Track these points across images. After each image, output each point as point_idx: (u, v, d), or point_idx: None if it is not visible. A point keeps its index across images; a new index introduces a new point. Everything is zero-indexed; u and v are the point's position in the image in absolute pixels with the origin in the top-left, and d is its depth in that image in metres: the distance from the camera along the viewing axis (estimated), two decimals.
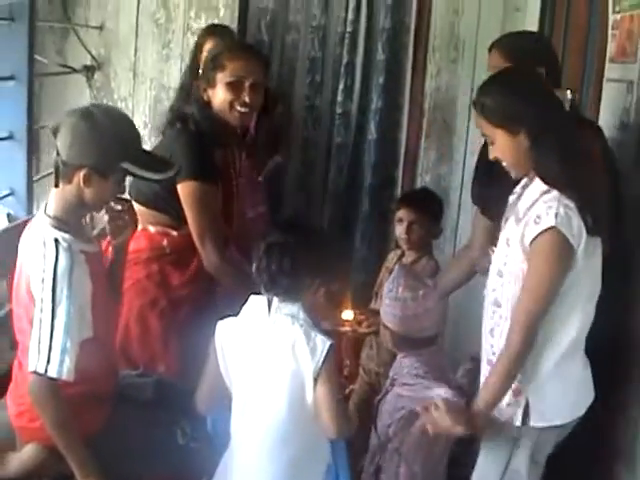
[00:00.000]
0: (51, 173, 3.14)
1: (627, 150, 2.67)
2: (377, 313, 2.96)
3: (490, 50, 2.72)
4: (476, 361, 2.41)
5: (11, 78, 3.37)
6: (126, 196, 2.50)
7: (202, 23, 4.22)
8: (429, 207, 3.33)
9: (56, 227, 2.21)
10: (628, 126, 2.70)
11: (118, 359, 2.62)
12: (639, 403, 2.49)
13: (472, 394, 2.30)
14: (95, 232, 2.62)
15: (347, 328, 3.13)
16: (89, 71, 4.34)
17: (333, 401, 2.16)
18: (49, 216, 2.24)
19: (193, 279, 2.86)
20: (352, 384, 3.54)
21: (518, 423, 2.22)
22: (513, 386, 2.21)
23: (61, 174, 2.22)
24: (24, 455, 2.31)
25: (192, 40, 4.20)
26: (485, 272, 2.63)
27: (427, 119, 4.37)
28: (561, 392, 2.22)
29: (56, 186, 2.23)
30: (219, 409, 2.37)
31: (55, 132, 2.21)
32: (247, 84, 2.80)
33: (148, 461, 2.33)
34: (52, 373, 2.09)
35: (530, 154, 2.14)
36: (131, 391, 2.50)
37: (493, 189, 2.70)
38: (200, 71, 3.09)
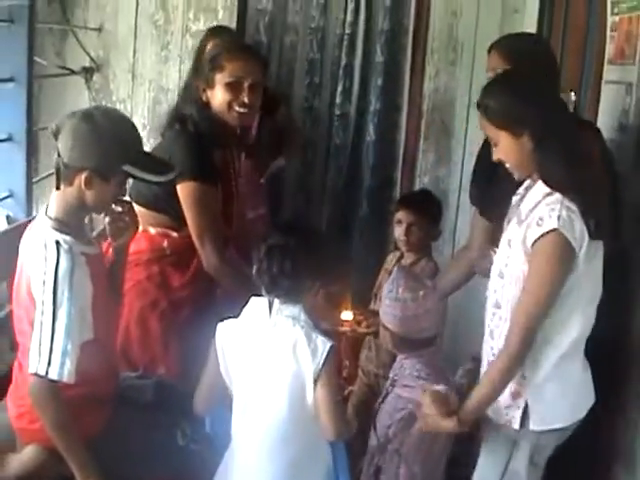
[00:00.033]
0: (50, 175, 3.13)
1: (626, 152, 2.67)
2: (376, 314, 2.97)
3: (489, 51, 2.72)
4: (477, 361, 2.42)
5: (10, 80, 3.37)
6: (127, 198, 2.50)
7: (201, 25, 4.22)
8: (428, 209, 3.34)
9: (57, 229, 2.21)
10: (627, 128, 2.70)
11: (118, 361, 2.62)
12: (638, 405, 2.49)
13: None
14: (95, 233, 2.62)
15: (346, 328, 3.13)
16: (88, 73, 4.33)
17: (332, 402, 2.17)
18: (50, 218, 2.23)
19: (193, 280, 2.86)
20: (351, 385, 3.55)
21: (516, 426, 2.22)
22: (512, 388, 2.22)
23: (62, 176, 2.22)
24: (24, 456, 2.31)
25: (191, 42, 4.22)
26: (484, 273, 2.64)
27: (426, 121, 4.38)
28: (561, 394, 2.22)
29: (57, 188, 2.23)
30: (217, 409, 2.37)
31: (56, 134, 2.21)
32: (246, 84, 2.80)
33: (148, 463, 2.33)
34: (53, 375, 2.09)
35: (533, 156, 2.14)
36: (131, 393, 2.50)
37: (492, 190, 2.71)
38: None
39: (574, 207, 2.07)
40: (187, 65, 4.17)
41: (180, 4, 4.25)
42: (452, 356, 3.19)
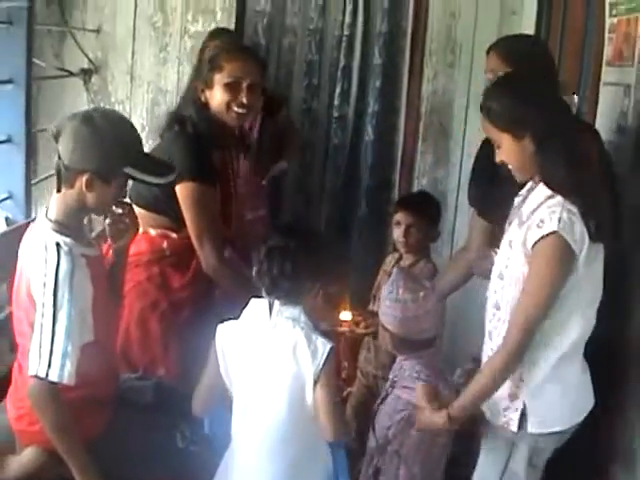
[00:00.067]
0: (49, 177, 3.13)
1: (624, 154, 2.68)
2: (375, 314, 2.98)
3: (488, 53, 2.73)
4: (478, 362, 2.42)
5: (9, 82, 3.36)
6: (127, 199, 2.50)
7: (199, 26, 4.22)
8: (427, 210, 3.34)
9: (57, 231, 2.20)
10: (625, 129, 2.71)
11: (119, 363, 2.62)
12: (636, 405, 2.49)
13: None
14: (93, 234, 2.62)
15: (345, 329, 3.13)
16: (86, 74, 4.33)
17: (331, 404, 2.17)
18: (50, 220, 2.23)
19: (193, 281, 2.86)
20: (350, 387, 3.55)
21: (514, 428, 2.22)
22: (509, 390, 2.22)
23: (63, 179, 2.21)
24: (24, 458, 2.31)
25: (189, 43, 4.23)
26: (482, 274, 2.64)
27: (424, 122, 4.39)
28: (559, 396, 2.22)
29: (58, 191, 2.23)
30: (217, 410, 2.38)
31: (56, 137, 2.20)
32: (245, 85, 2.80)
33: (148, 465, 2.32)
34: (53, 377, 2.09)
35: (535, 159, 2.14)
36: (130, 395, 2.50)
37: (490, 191, 2.72)
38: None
39: (575, 209, 2.08)
40: (186, 67, 4.20)
41: (179, 6, 4.25)
42: (451, 357, 3.20)
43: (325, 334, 2.22)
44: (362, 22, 4.35)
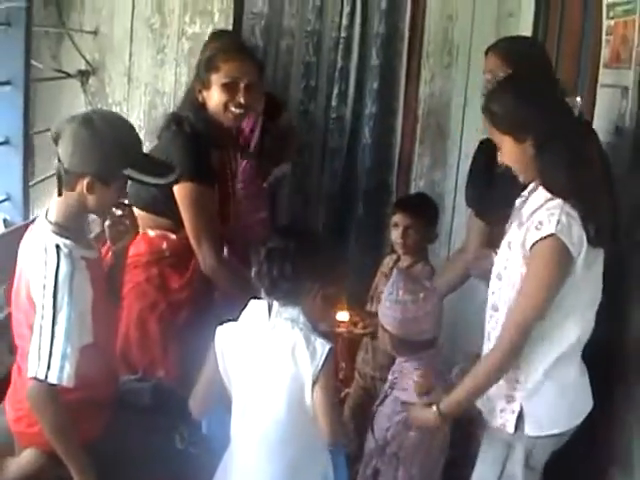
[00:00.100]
0: (47, 178, 3.13)
1: (621, 156, 2.68)
2: (372, 315, 2.99)
3: (486, 54, 2.74)
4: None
5: (7, 83, 3.35)
6: (126, 201, 2.50)
7: (197, 28, 4.22)
8: (425, 212, 3.34)
9: (57, 233, 2.20)
10: (623, 131, 2.71)
11: (118, 365, 2.61)
12: (634, 407, 2.49)
13: None
14: (91, 236, 2.62)
15: (342, 329, 3.13)
16: (84, 76, 4.33)
17: (329, 405, 2.17)
18: (50, 222, 2.23)
19: (192, 281, 2.86)
20: (347, 388, 3.55)
21: (510, 430, 2.22)
22: (506, 392, 2.23)
23: (64, 182, 2.21)
24: (22, 460, 2.31)
25: (187, 45, 4.23)
26: (479, 275, 2.65)
27: (421, 124, 4.40)
28: (556, 398, 2.22)
29: (59, 195, 2.23)
30: (215, 411, 2.38)
31: (56, 140, 2.20)
32: (242, 85, 2.80)
33: (147, 467, 2.32)
34: (52, 379, 2.09)
35: (535, 162, 2.14)
36: (129, 396, 2.50)
37: (487, 192, 2.73)
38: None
39: (574, 213, 2.08)
40: (183, 68, 4.21)
41: (176, 7, 4.25)
42: (450, 358, 3.20)
43: (324, 335, 2.22)
44: (359, 24, 4.36)
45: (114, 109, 4.27)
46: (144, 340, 2.80)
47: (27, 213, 3.50)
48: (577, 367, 2.26)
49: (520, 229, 2.19)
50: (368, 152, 4.48)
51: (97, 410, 2.32)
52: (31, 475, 2.29)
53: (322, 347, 2.13)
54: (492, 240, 2.68)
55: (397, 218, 3.31)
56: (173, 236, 2.84)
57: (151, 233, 2.84)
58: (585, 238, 2.07)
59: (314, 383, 2.13)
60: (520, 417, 2.21)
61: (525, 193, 2.32)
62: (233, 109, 2.82)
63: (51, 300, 2.11)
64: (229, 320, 2.26)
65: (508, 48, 2.70)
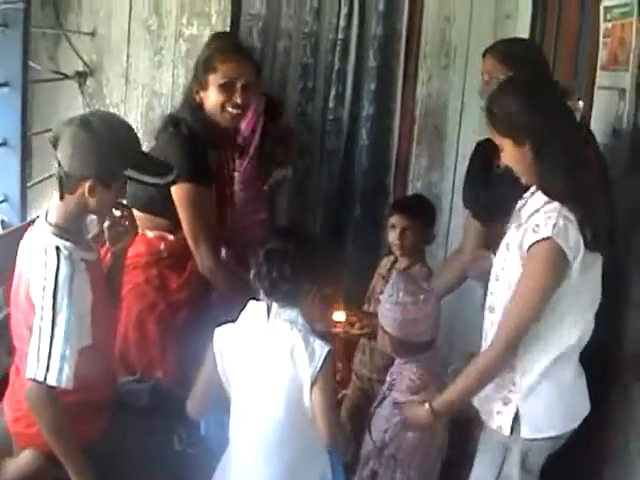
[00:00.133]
0: (44, 179, 3.12)
1: (619, 158, 2.69)
2: (370, 315, 2.99)
3: (484, 56, 2.74)
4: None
5: (5, 85, 3.35)
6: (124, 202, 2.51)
7: (194, 30, 4.23)
8: (422, 213, 3.34)
9: (57, 235, 2.20)
10: (620, 133, 2.72)
11: (117, 367, 2.61)
12: (630, 408, 2.50)
13: None
14: (90, 236, 2.62)
15: (339, 329, 3.13)
16: (81, 77, 4.33)
17: (328, 406, 2.18)
18: (50, 224, 2.23)
19: (190, 281, 2.86)
20: (344, 389, 3.55)
21: (507, 432, 2.22)
22: (502, 394, 2.23)
23: (65, 186, 2.21)
24: (21, 461, 2.31)
25: (184, 47, 4.24)
26: (476, 277, 2.65)
27: (418, 125, 4.40)
28: (553, 400, 2.22)
29: (61, 198, 2.22)
30: (214, 413, 2.38)
31: (55, 143, 2.20)
32: (239, 85, 2.81)
33: (145, 468, 2.32)
34: (51, 381, 2.09)
35: (534, 166, 2.14)
36: (128, 398, 2.50)
37: (484, 193, 2.73)
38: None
39: (572, 217, 2.08)
40: (180, 70, 4.21)
41: (174, 9, 4.26)
42: (448, 359, 3.20)
43: (322, 336, 2.23)
44: (357, 25, 4.36)
45: (111, 110, 4.26)
46: (143, 341, 2.80)
47: (24, 214, 3.49)
48: (574, 369, 2.25)
49: (518, 231, 2.19)
50: (365, 153, 4.48)
51: (96, 412, 2.32)
52: (29, 476, 2.29)
53: (321, 349, 2.14)
54: (489, 241, 2.69)
55: (394, 219, 3.30)
56: (171, 237, 2.84)
57: (149, 234, 2.85)
58: (582, 242, 2.07)
59: (313, 384, 2.14)
60: (516, 419, 2.21)
61: (527, 195, 2.32)
62: (230, 109, 2.82)
63: (51, 302, 2.11)
64: (227, 321, 2.26)
65: (506, 50, 2.71)
